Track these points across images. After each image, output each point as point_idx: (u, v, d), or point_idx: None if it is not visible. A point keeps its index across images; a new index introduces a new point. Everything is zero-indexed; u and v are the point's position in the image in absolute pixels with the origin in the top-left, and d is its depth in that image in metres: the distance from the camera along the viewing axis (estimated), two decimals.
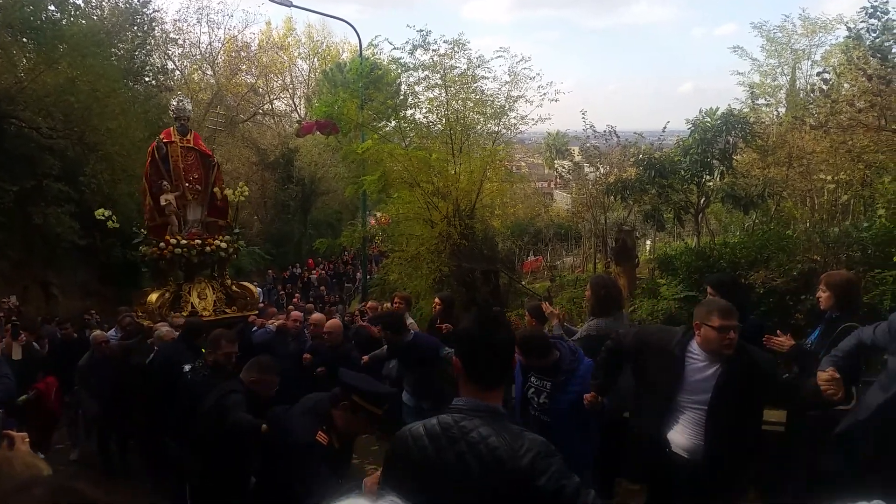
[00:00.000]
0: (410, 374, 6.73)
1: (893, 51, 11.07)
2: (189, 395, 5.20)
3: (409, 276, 14.72)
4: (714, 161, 13.67)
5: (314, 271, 29.25)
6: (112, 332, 9.54)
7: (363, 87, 16.49)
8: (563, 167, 26.55)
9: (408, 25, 14.83)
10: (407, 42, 14.86)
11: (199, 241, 9.96)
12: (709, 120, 13.74)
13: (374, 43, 18.45)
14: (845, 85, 14.22)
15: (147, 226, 10.12)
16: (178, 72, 30.87)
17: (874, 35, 11.37)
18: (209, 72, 33.48)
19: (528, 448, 2.12)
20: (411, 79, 15.85)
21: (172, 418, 5.67)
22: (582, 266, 21.59)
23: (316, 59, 44.03)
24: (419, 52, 14.85)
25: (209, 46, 33.69)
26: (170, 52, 29.69)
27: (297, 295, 24.50)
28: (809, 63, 23.51)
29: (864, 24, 11.67)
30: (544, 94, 14.94)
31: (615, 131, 16.78)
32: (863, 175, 14.06)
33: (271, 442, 4.00)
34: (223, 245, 10.17)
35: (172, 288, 9.85)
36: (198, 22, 34.85)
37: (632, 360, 4.14)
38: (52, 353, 9.60)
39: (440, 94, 14.96)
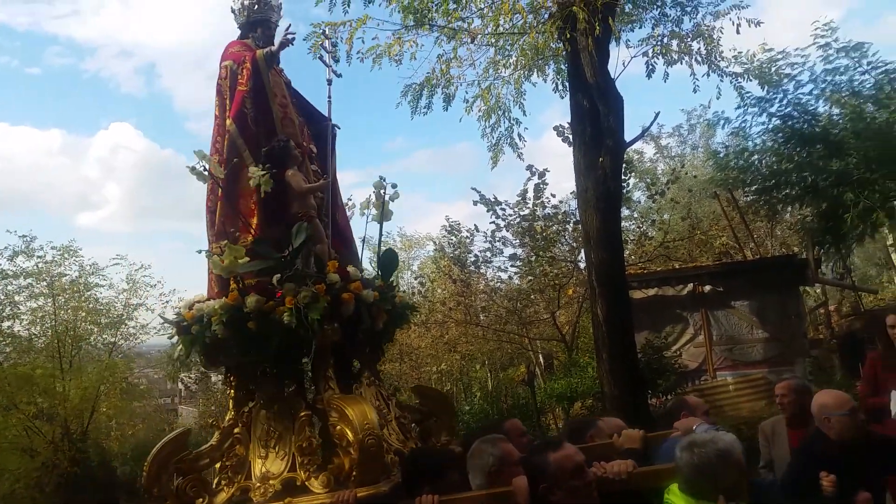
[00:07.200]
0: None
1: (469, 260, 13.67)
2: None
3: None
4: None
5: None
6: None
7: None
8: (190, 378, 25.43)
9: (8, 230, 13.61)
10: (6, 248, 13.53)
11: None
12: None
13: None
14: (438, 289, 16.88)
15: (249, 241, 4.39)
16: None
17: (453, 248, 13.96)
18: None
19: None
20: (10, 287, 14.22)
21: None
22: None
23: None
24: (21, 258, 13.59)
25: None
26: None
27: None
28: (409, 272, 27.33)
29: (445, 240, 14.29)
30: (167, 301, 14.72)
31: None
32: (460, 364, 16.46)
33: None
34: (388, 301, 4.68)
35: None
36: None
37: None
38: None
39: (46, 303, 13.66)
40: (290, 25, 4.78)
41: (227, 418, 4.40)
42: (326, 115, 5.13)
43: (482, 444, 3.19)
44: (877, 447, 3.69)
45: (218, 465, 4.26)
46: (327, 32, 6.08)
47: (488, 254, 13.66)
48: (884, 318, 5.70)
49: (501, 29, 9.57)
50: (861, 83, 10.79)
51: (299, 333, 3.88)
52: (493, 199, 12.89)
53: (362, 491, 3.60)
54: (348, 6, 8.81)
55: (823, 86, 10.99)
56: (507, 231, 13.24)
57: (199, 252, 4.47)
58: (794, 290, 11.12)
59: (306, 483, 3.82)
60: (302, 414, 4.03)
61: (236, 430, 4.27)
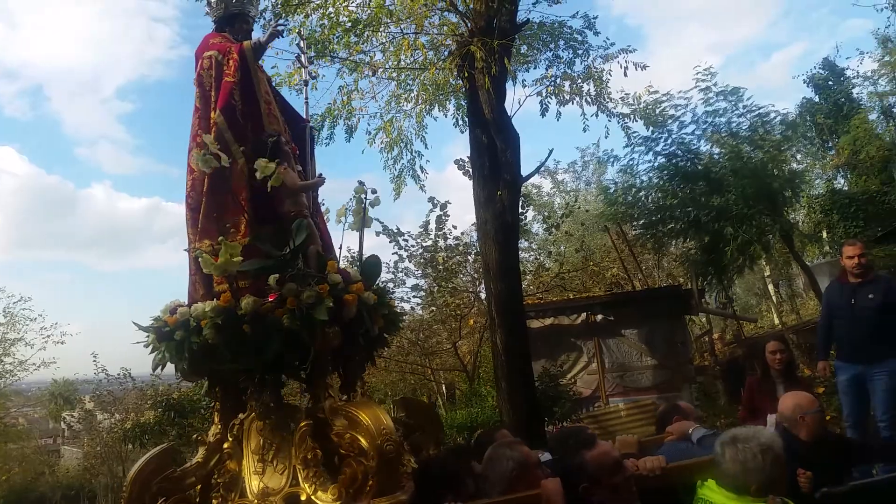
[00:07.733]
0: None
1: None
2: None
3: None
4: None
5: None
6: None
7: None
8: (73, 417, 23.90)
9: None
10: None
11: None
12: None
13: None
14: None
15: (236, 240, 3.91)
16: None
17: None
18: None
19: None
20: None
21: None
22: None
23: None
24: None
25: None
26: None
27: None
28: None
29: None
30: (48, 335, 13.87)
31: (130, 374, 16.16)
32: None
33: None
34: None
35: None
36: None
37: None
38: None
39: None
40: (280, 17, 4.63)
41: (212, 433, 4.06)
42: (304, 116, 4.96)
43: (499, 449, 3.11)
44: (834, 446, 3.96)
45: (199, 487, 3.92)
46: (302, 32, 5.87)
47: (391, 284, 13.66)
48: (763, 345, 6.13)
49: (403, 64, 9.73)
50: (738, 125, 11.68)
51: (301, 337, 3.59)
52: (395, 231, 12.97)
53: (382, 501, 3.33)
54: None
55: (705, 126, 11.82)
56: (410, 262, 13.33)
57: (185, 250, 4.18)
58: (680, 319, 11.68)
59: (313, 497, 3.54)
60: (302, 424, 3.71)
61: (226, 445, 3.94)
